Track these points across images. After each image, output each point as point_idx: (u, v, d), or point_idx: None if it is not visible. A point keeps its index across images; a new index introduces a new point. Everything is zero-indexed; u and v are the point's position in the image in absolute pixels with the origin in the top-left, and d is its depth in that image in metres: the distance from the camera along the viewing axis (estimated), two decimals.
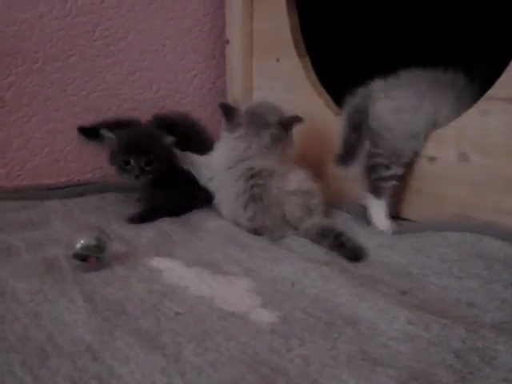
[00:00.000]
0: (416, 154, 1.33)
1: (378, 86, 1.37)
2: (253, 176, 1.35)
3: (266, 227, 1.34)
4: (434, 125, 1.31)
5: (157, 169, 1.40)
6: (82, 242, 1.12)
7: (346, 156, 1.35)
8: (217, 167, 1.43)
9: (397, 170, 1.33)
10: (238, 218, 1.38)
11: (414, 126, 1.31)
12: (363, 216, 1.38)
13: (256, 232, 1.35)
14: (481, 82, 1.30)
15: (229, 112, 1.42)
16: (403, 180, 1.36)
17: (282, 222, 1.34)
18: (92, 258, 1.11)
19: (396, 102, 1.33)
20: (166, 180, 1.43)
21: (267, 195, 1.33)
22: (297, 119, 1.40)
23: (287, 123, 1.40)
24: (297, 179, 1.37)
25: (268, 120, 1.39)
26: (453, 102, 1.31)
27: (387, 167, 1.33)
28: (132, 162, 1.38)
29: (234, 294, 1.03)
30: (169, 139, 1.42)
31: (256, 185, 1.34)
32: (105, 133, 1.42)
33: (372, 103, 1.35)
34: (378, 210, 1.35)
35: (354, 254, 1.21)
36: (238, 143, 1.40)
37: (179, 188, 1.46)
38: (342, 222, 1.37)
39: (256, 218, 1.35)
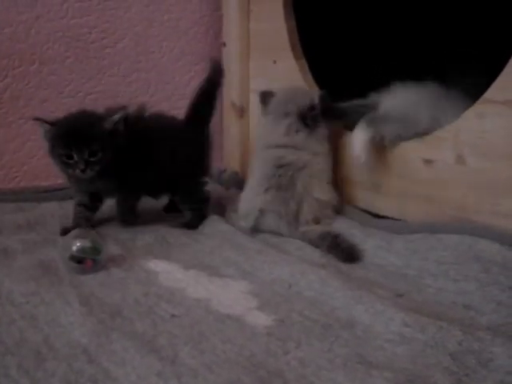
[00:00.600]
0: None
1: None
2: (282, 166, 1.37)
3: (277, 215, 1.35)
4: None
5: (103, 159, 1.26)
6: (78, 244, 1.12)
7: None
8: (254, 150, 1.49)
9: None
10: (255, 201, 1.38)
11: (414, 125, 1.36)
12: (362, 219, 1.38)
13: (260, 224, 1.36)
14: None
15: (263, 98, 1.48)
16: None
17: (291, 218, 1.34)
18: (88, 260, 1.11)
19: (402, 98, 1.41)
20: (117, 167, 1.30)
21: (291, 188, 1.35)
22: (312, 109, 1.42)
23: (303, 114, 1.42)
24: (324, 188, 1.39)
25: (287, 109, 1.42)
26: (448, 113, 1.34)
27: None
28: (74, 155, 1.23)
29: (231, 296, 1.03)
30: (112, 120, 1.27)
31: (284, 175, 1.36)
32: (40, 124, 1.25)
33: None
34: (360, 134, 1.36)
35: (349, 254, 1.21)
36: (263, 130, 1.45)
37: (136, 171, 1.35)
38: (340, 224, 1.37)
39: (273, 202, 1.35)
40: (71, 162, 1.24)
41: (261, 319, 0.94)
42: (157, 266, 1.17)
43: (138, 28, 1.81)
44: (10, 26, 1.64)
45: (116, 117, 1.27)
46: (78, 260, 1.11)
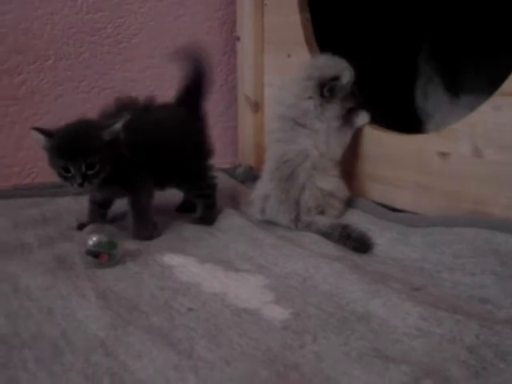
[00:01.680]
0: None
1: None
2: (284, 162, 1.37)
3: (277, 200, 1.36)
4: None
5: (101, 171, 1.19)
6: (94, 238, 1.12)
7: None
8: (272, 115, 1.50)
9: None
10: (262, 188, 1.42)
11: None
12: (378, 213, 1.38)
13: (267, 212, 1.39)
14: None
15: None
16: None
17: (291, 205, 1.35)
18: (104, 254, 1.12)
19: None
20: (119, 178, 1.25)
21: (293, 179, 1.35)
22: (334, 79, 1.38)
23: (323, 82, 1.38)
24: (327, 179, 1.38)
25: (310, 73, 1.40)
26: None
27: None
28: (71, 168, 1.17)
29: (247, 290, 1.03)
30: (112, 130, 1.19)
31: (286, 169, 1.36)
32: (34, 134, 1.19)
33: None
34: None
35: (361, 244, 1.23)
36: (282, 90, 1.46)
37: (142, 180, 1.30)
38: (355, 218, 1.37)
39: (275, 189, 1.37)
40: (68, 175, 1.18)
41: (277, 313, 0.94)
42: (172, 260, 1.17)
43: (152, 23, 1.81)
44: (26, 21, 1.65)
45: (116, 126, 1.20)
46: (95, 254, 1.12)
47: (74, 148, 1.17)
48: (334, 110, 1.40)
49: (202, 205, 1.44)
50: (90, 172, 1.18)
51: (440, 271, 1.09)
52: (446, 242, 1.17)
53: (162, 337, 0.86)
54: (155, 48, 1.83)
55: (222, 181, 1.73)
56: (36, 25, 1.66)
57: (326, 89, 1.37)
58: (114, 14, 1.75)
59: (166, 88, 1.86)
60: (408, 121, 1.74)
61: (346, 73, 1.39)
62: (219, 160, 1.93)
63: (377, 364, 0.78)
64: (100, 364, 0.79)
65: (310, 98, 1.38)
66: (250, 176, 1.76)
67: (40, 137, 1.19)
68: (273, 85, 1.77)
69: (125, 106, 1.31)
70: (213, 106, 1.93)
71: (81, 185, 1.18)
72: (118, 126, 1.20)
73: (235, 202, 1.57)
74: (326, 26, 1.64)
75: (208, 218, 1.42)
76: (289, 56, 1.69)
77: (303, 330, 0.88)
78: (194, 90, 1.43)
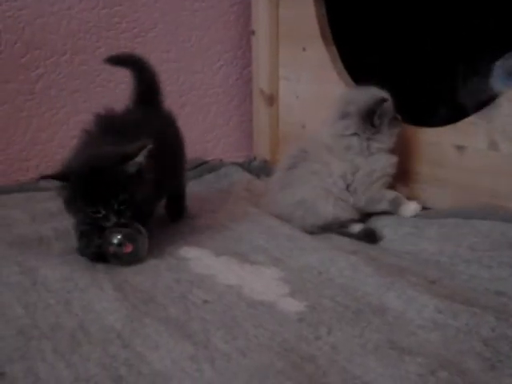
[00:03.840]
0: None
1: None
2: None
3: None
4: None
5: (133, 206, 1.08)
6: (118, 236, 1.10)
7: None
8: None
9: None
10: None
11: None
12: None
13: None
14: None
15: None
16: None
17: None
18: (128, 244, 1.10)
19: None
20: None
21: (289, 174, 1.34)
22: (379, 104, 1.30)
23: (369, 112, 1.30)
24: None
25: (349, 111, 1.32)
26: None
27: None
28: (102, 210, 1.06)
29: (262, 282, 1.03)
30: (137, 162, 1.07)
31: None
32: (46, 183, 1.07)
33: None
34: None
35: (368, 235, 1.25)
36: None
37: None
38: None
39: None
40: (99, 215, 1.08)
41: (292, 305, 0.94)
42: (188, 253, 1.18)
43: (167, 17, 1.81)
44: (42, 17, 1.66)
45: (139, 159, 1.08)
46: (119, 244, 1.10)
47: (101, 190, 1.05)
48: (384, 139, 1.33)
49: (173, 202, 1.40)
50: (122, 207, 1.08)
51: (456, 264, 1.09)
52: (461, 235, 1.16)
53: (178, 328, 0.86)
54: (170, 42, 1.84)
55: (238, 174, 1.74)
56: (52, 20, 1.67)
57: (376, 116, 1.29)
58: (130, 8, 1.76)
59: (181, 82, 1.87)
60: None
61: (384, 96, 1.32)
62: (234, 153, 1.94)
63: (392, 356, 0.79)
64: (117, 355, 0.80)
65: (353, 134, 1.31)
66: (265, 169, 1.76)
67: (58, 184, 1.07)
68: (288, 78, 1.77)
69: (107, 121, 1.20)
70: (228, 100, 1.95)
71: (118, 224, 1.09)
72: (141, 158, 1.08)
73: (250, 196, 1.57)
74: (341, 19, 1.63)
75: (177, 212, 1.40)
76: (304, 49, 1.68)
77: (319, 323, 0.88)
78: (149, 92, 1.34)
